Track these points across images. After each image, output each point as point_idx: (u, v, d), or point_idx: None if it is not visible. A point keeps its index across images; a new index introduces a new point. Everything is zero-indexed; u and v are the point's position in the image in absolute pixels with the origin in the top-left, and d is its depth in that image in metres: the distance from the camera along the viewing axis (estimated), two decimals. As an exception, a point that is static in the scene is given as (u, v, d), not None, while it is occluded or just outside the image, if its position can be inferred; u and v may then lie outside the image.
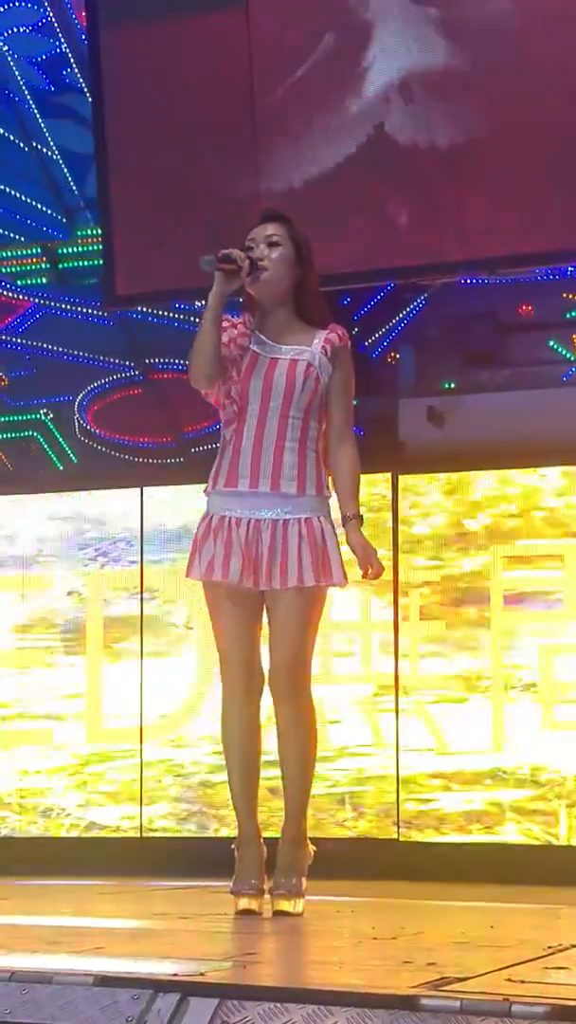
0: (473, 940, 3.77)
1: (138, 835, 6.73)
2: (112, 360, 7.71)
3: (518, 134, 6.13)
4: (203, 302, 7.20)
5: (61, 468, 7.73)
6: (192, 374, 4.24)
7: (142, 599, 6.83)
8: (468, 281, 6.81)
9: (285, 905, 4.19)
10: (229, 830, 6.49)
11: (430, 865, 6.23)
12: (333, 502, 4.33)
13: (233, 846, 4.35)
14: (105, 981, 2.84)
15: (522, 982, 2.86)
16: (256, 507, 4.19)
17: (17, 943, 3.57)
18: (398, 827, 6.37)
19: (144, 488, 6.94)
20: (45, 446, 7.81)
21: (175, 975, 2.87)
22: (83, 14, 7.08)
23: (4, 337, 7.87)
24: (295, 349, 4.24)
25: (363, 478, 4.41)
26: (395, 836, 6.38)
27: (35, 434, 7.86)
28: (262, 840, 4.31)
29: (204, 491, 4.30)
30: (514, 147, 6.15)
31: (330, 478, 4.34)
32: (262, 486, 4.18)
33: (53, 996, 2.84)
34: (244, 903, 4.23)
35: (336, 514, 4.31)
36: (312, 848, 4.34)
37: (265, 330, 4.26)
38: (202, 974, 2.88)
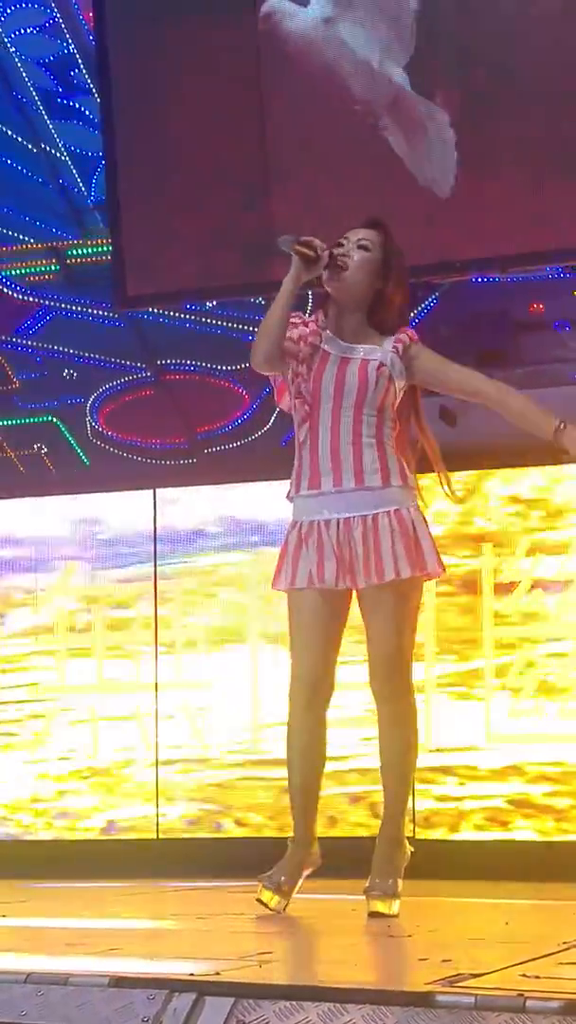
0: (488, 937, 3.77)
1: (155, 836, 6.73)
2: (123, 362, 7.72)
3: (531, 133, 6.11)
4: (214, 302, 7.32)
5: (74, 470, 7.74)
6: (253, 353, 4.21)
7: (156, 600, 6.84)
8: (480, 279, 6.80)
9: (380, 907, 4.18)
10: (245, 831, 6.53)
11: (445, 863, 6.22)
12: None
13: (289, 841, 4.35)
14: (120, 982, 2.85)
15: (536, 977, 2.86)
16: (344, 506, 4.15)
17: (33, 945, 3.59)
18: (413, 825, 6.36)
19: (157, 490, 6.94)
20: (57, 449, 7.82)
21: (190, 975, 2.87)
22: (90, 14, 7.06)
23: (15, 340, 7.88)
24: (367, 349, 4.21)
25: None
26: (410, 834, 6.36)
27: (47, 436, 7.87)
28: (314, 846, 4.34)
29: (287, 496, 4.27)
30: (527, 145, 6.13)
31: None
32: (346, 482, 4.14)
33: (68, 997, 2.85)
34: (262, 895, 4.25)
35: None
36: (410, 849, 4.34)
37: (337, 331, 4.24)
38: (217, 973, 2.89)
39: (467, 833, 6.31)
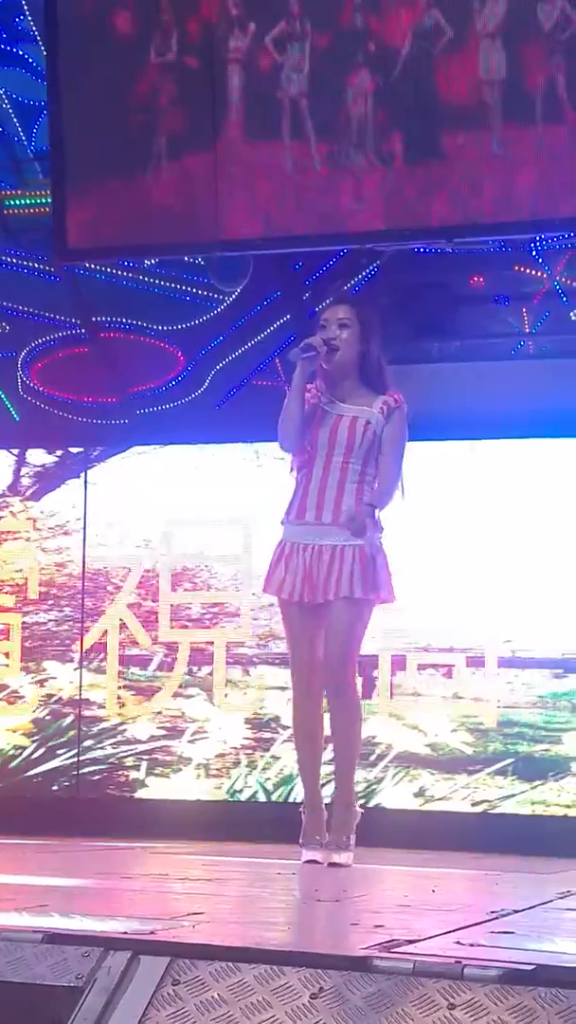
0: (417, 903, 3.79)
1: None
2: (58, 317, 7.60)
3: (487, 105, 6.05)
4: (153, 260, 7.23)
5: (2, 426, 7.63)
6: (280, 440, 5.11)
7: (84, 563, 6.82)
8: (421, 250, 6.76)
9: (338, 858, 4.90)
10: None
11: (362, 830, 6.24)
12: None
13: (301, 809, 5.11)
14: (54, 938, 2.81)
15: (471, 945, 2.86)
16: (320, 535, 4.99)
17: (-40, 899, 3.54)
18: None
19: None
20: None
21: (125, 933, 2.84)
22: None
23: (-55, 290, 7.73)
24: (357, 408, 5.08)
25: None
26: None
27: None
28: (323, 805, 5.10)
29: (280, 521, 5.11)
30: (481, 117, 6.07)
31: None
32: (325, 518, 5.01)
33: (1, 953, 2.81)
34: (309, 855, 4.97)
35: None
36: (360, 809, 5.10)
37: (334, 393, 5.11)
38: (152, 932, 2.86)
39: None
